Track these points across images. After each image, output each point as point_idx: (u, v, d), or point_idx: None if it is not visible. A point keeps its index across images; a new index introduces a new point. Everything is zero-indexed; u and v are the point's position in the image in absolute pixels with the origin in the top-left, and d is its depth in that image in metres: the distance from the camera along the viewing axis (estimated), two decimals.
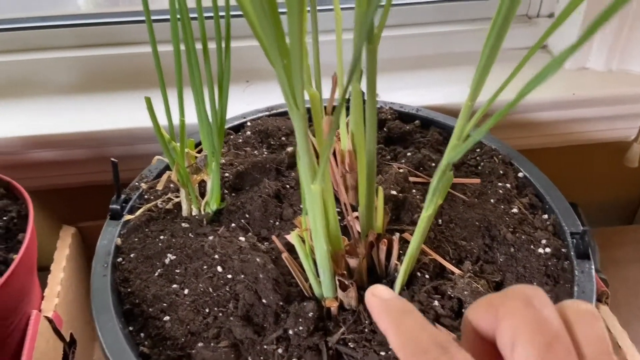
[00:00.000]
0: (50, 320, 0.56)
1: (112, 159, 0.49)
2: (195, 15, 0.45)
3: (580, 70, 0.74)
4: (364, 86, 0.39)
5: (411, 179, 0.52)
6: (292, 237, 0.41)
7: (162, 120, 0.48)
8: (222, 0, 0.44)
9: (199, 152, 0.53)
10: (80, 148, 0.69)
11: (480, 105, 0.32)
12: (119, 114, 0.68)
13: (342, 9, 0.48)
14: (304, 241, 0.41)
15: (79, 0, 0.80)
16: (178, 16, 0.44)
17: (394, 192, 0.49)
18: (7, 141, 0.66)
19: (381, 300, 0.28)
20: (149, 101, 0.44)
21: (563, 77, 0.74)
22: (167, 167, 0.57)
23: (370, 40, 0.34)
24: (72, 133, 0.66)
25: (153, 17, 0.72)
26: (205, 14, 0.45)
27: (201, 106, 0.47)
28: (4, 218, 0.55)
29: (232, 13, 0.45)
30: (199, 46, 0.45)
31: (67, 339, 0.59)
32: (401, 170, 0.51)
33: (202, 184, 0.53)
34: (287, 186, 0.53)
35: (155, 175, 0.56)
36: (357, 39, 0.41)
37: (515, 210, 0.51)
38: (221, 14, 0.44)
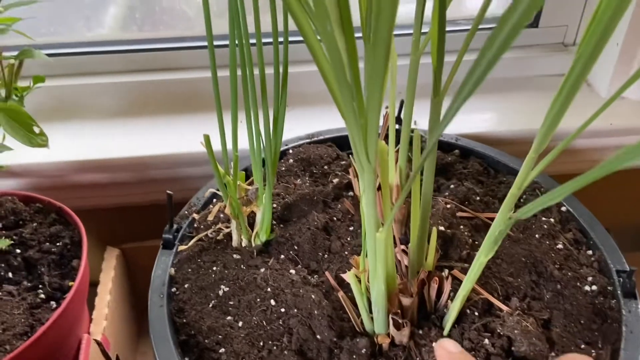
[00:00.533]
0: (99, 343, 0.57)
1: (168, 192, 0.51)
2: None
3: (617, 100, 0.74)
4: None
5: (458, 213, 0.53)
6: (348, 277, 0.42)
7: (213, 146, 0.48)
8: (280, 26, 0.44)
9: (249, 183, 0.54)
10: (125, 171, 0.70)
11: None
12: (164, 139, 0.70)
13: (395, 35, 0.49)
14: (359, 280, 0.42)
15: (107, 19, 0.82)
16: (236, 42, 0.44)
17: (442, 228, 0.50)
18: (54, 165, 0.67)
19: (448, 353, 0.34)
20: (207, 139, 0.46)
21: (600, 106, 0.74)
22: (214, 195, 0.59)
23: (436, 93, 0.35)
24: (118, 158, 0.67)
25: (201, 44, 0.74)
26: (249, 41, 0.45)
27: (255, 139, 0.49)
28: (58, 244, 0.56)
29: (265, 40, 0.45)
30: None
31: None
32: (449, 206, 0.52)
33: (251, 215, 0.54)
34: (335, 218, 0.54)
35: (203, 203, 0.58)
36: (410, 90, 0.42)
37: (560, 246, 0.52)
38: (274, 40, 0.45)
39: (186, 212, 0.57)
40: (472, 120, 0.73)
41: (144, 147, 0.68)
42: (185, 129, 0.71)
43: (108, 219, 0.77)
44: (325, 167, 0.62)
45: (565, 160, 0.77)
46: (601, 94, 0.75)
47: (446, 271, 0.47)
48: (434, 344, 0.38)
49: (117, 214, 0.76)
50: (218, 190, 0.57)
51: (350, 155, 0.65)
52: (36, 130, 0.43)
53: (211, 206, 0.58)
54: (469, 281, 0.41)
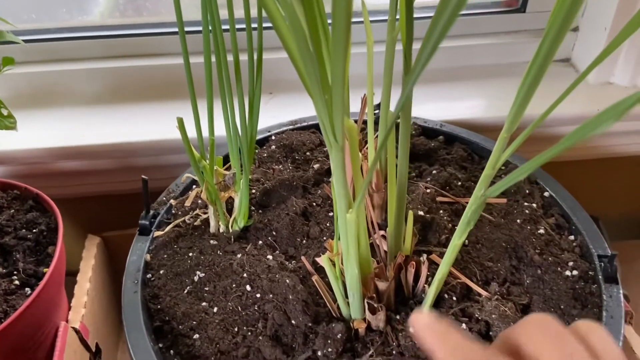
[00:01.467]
0: (77, 331, 0.57)
1: (143, 177, 0.50)
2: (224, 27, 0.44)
3: (605, 85, 0.74)
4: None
5: (438, 198, 0.52)
6: (322, 261, 0.41)
7: (190, 132, 0.47)
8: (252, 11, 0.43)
9: (227, 168, 0.53)
10: (106, 158, 0.69)
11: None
12: (144, 126, 0.69)
13: (371, 21, 0.48)
14: (334, 264, 0.42)
15: (94, 7, 0.80)
16: (209, 27, 0.43)
17: (421, 213, 0.49)
18: (33, 152, 0.66)
19: (428, 321, 0.31)
20: (181, 122, 0.45)
21: (587, 91, 0.73)
22: (194, 182, 0.58)
23: (407, 71, 0.34)
24: (98, 145, 0.67)
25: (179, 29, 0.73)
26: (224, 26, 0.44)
27: (231, 124, 0.48)
28: (34, 231, 0.55)
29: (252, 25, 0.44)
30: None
31: (93, 348, 0.60)
32: (428, 191, 0.52)
33: (229, 201, 0.53)
34: (314, 204, 0.53)
35: (182, 189, 0.57)
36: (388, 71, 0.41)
37: (541, 231, 0.51)
38: (247, 26, 0.44)
39: (164, 198, 0.56)
40: (458, 107, 0.72)
41: (124, 134, 0.67)
42: (165, 116, 0.70)
43: (89, 207, 0.77)
44: (308, 153, 0.62)
45: (551, 147, 0.76)
46: (589, 80, 0.74)
47: (424, 256, 0.46)
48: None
49: (98, 202, 0.76)
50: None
51: None
52: (4, 112, 0.42)
53: (190, 192, 0.57)
54: (444, 264, 0.40)
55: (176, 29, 0.74)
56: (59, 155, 0.67)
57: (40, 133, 0.68)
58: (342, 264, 0.41)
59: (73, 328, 0.56)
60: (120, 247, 0.74)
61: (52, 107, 0.71)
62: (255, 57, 0.46)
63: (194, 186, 0.58)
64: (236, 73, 0.46)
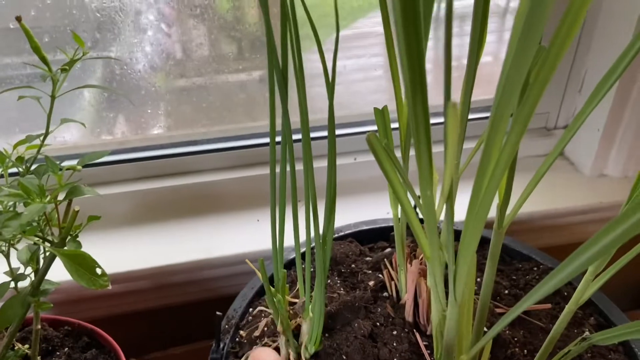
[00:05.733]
0: None
1: (217, 313, 0.51)
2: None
3: (600, 177, 0.81)
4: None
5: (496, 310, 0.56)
6: None
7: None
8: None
9: (293, 295, 0.55)
10: (142, 280, 0.70)
11: None
12: (180, 245, 0.71)
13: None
14: None
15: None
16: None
17: (485, 329, 0.53)
18: (68, 282, 0.66)
19: None
20: (262, 264, 0.47)
21: (583, 183, 0.81)
22: (249, 305, 0.60)
23: (500, 225, 0.39)
24: (135, 270, 0.67)
25: (209, 147, 0.76)
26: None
27: (307, 252, 0.51)
28: None
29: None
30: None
31: None
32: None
33: (296, 327, 0.55)
34: (378, 324, 0.56)
35: (240, 314, 0.58)
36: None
37: (587, 332, 0.55)
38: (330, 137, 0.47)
39: (226, 326, 0.57)
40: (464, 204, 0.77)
41: (160, 256, 0.69)
42: (200, 233, 0.72)
43: (126, 327, 0.76)
44: (353, 265, 0.65)
45: (560, 234, 0.83)
46: (585, 173, 0.82)
47: None
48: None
49: (132, 320, 0.75)
50: (260, 303, 0.58)
51: (370, 250, 0.68)
52: (98, 271, 0.43)
53: (250, 318, 0.58)
54: None
55: (204, 147, 0.78)
56: None
57: None
58: None
59: None
60: None
61: (87, 232, 0.72)
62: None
63: (251, 309, 0.60)
64: (310, 189, 0.48)
